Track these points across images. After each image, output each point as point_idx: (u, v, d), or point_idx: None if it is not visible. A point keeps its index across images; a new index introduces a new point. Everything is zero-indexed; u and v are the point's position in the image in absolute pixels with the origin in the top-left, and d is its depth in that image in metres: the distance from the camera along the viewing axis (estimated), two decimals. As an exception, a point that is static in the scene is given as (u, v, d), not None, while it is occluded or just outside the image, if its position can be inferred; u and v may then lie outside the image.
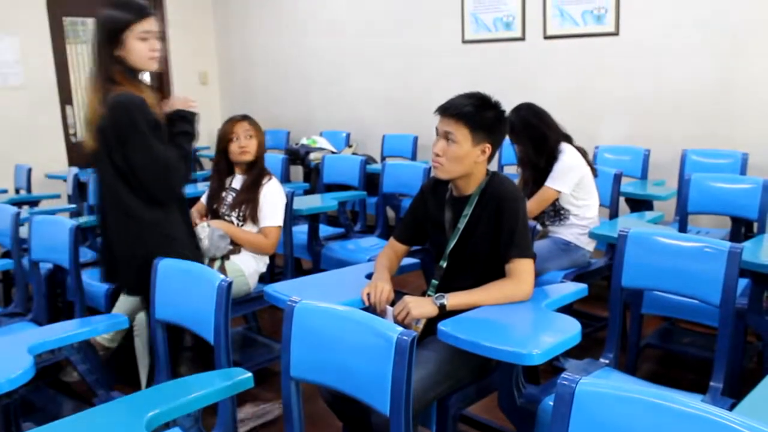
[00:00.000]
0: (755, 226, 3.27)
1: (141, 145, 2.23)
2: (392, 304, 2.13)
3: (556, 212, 3.21)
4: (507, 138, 3.96)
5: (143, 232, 2.34)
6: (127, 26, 2.25)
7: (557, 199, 3.16)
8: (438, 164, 2.16)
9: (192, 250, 2.51)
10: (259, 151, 3.14)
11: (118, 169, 2.28)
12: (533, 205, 3.12)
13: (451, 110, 2.13)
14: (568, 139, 3.21)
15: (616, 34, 4.42)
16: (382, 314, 2.10)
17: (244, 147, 3.10)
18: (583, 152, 3.22)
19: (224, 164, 3.17)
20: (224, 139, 3.14)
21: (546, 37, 4.74)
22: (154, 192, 2.32)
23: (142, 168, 2.26)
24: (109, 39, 2.26)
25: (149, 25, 2.29)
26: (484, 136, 2.12)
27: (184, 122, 2.40)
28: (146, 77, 2.22)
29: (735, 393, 2.22)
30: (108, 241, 2.46)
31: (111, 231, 2.41)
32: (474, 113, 2.11)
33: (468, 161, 2.13)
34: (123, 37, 2.25)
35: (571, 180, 3.11)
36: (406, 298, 2.08)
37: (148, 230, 2.35)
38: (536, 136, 3.13)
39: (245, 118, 3.16)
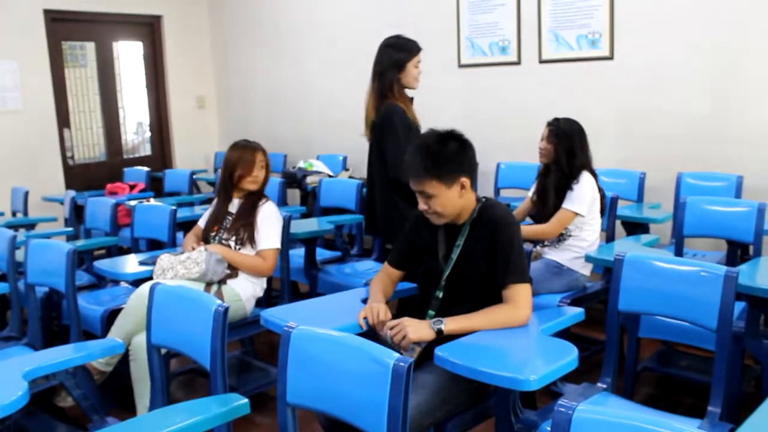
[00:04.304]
0: (751, 249, 3.27)
1: (394, 139, 3.05)
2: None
3: None
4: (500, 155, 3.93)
5: (395, 196, 3.08)
6: (410, 58, 3.10)
7: None
8: (431, 216, 2.20)
9: None
10: (265, 181, 3.20)
11: (382, 153, 3.12)
12: (552, 227, 3.18)
13: (411, 174, 2.15)
14: (594, 174, 3.27)
15: (610, 58, 4.46)
16: (383, 335, 2.09)
17: (256, 177, 3.13)
18: (600, 190, 3.29)
19: (230, 189, 3.16)
20: (236, 165, 3.11)
21: (541, 62, 4.77)
22: (393, 172, 3.04)
23: (391, 155, 3.05)
24: (396, 66, 3.09)
25: (420, 56, 3.14)
26: (454, 175, 2.12)
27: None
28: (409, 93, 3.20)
29: (733, 418, 2.21)
30: (373, 203, 3.24)
31: (378, 195, 3.19)
32: (432, 163, 2.11)
33: (453, 202, 2.15)
34: (407, 65, 3.09)
35: (588, 204, 3.17)
36: (404, 319, 2.07)
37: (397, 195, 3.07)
38: (568, 148, 3.21)
39: (261, 148, 3.20)
